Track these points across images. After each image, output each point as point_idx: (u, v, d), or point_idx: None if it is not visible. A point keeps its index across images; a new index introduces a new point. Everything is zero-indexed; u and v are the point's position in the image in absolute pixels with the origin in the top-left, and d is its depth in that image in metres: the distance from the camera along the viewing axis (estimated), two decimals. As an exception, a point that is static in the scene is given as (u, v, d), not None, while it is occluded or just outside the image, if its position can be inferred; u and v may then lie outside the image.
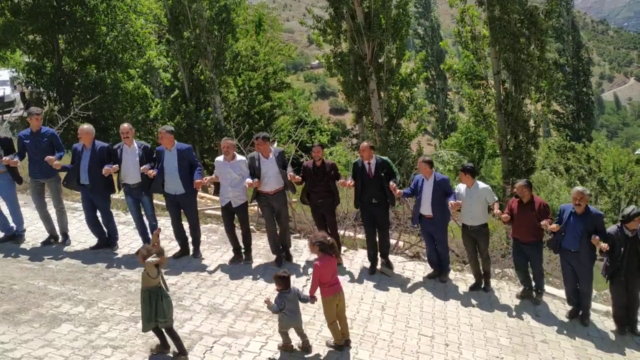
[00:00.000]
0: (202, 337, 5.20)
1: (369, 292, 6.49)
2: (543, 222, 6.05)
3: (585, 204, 5.89)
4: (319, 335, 5.42)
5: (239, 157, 6.88)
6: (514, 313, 6.34)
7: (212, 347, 5.04)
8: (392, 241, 8.41)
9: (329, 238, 5.01)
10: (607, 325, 6.31)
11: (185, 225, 7.21)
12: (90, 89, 17.29)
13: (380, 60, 15.39)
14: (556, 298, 6.67)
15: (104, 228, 7.26)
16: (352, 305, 6.11)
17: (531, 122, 16.03)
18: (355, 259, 7.38)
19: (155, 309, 4.53)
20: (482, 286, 6.85)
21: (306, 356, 5.04)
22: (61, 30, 16.92)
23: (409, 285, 6.81)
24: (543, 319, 6.27)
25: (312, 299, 5.00)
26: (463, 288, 6.86)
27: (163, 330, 4.70)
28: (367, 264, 7.19)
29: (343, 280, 6.74)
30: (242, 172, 6.78)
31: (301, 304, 5.04)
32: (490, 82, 16.11)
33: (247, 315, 5.70)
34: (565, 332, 6.02)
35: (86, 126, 6.98)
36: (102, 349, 4.74)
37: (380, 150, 15.38)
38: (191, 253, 7.21)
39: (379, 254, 7.20)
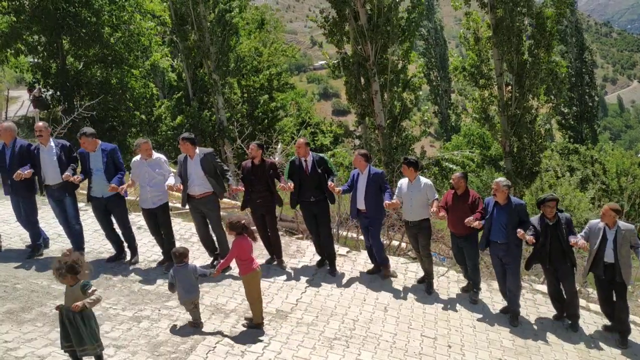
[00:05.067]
0: (205, 337, 5.20)
1: (371, 293, 6.49)
2: (467, 220, 6.01)
3: (502, 195, 5.94)
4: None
5: (157, 155, 6.58)
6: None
7: (214, 347, 5.04)
8: (395, 242, 8.42)
9: (242, 221, 5.16)
10: (611, 328, 6.30)
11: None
12: (95, 89, 17.31)
13: (385, 62, 15.38)
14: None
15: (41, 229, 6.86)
16: (354, 307, 6.12)
17: (537, 124, 16.00)
18: (358, 260, 7.38)
19: (66, 332, 4.18)
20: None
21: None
22: (65, 31, 16.95)
23: (412, 286, 6.80)
24: (545, 321, 6.27)
25: (217, 272, 5.33)
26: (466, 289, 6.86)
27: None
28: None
29: (345, 281, 6.77)
30: (162, 169, 6.52)
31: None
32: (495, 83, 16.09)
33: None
34: (567, 334, 6.02)
35: (5, 124, 6.56)
36: (105, 349, 4.73)
37: (384, 152, 15.39)
38: (127, 259, 6.84)
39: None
